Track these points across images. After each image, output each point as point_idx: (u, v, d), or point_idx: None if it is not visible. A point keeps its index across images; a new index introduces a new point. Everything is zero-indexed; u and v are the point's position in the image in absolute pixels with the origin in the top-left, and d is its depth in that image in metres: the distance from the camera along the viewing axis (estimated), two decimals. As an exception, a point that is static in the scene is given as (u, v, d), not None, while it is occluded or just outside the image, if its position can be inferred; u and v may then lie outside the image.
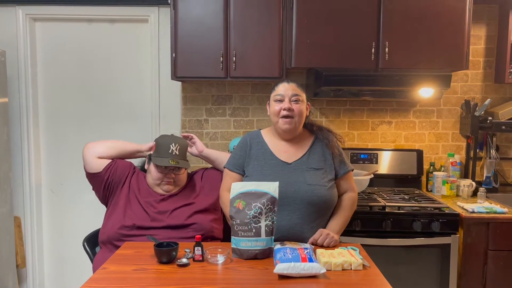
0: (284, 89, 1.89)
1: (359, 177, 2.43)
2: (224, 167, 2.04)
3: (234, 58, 2.58)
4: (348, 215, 1.94)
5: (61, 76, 3.08)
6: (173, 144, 2.08)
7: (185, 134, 2.31)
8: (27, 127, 3.03)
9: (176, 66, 2.61)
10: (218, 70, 2.60)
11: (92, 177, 2.12)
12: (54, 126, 3.12)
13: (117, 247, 1.87)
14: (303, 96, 1.91)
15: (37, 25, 3.05)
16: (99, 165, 2.09)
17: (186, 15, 2.58)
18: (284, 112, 1.86)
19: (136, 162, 2.27)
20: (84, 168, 2.13)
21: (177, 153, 2.07)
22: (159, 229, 1.95)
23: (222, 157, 2.22)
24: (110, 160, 2.12)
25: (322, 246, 1.76)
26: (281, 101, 1.88)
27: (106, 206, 2.14)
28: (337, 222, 1.89)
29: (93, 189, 2.16)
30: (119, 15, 2.98)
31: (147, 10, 2.96)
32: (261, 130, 2.05)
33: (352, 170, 2.02)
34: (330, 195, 1.87)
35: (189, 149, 2.25)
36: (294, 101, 1.87)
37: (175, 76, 2.63)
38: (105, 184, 2.09)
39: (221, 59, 2.58)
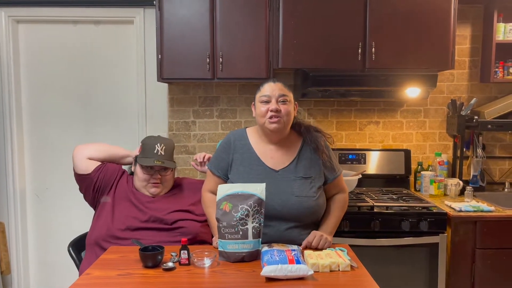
0: (271, 89, 1.79)
1: (348, 178, 2.43)
2: (207, 167, 1.99)
3: (220, 59, 2.56)
4: (339, 216, 1.92)
5: (46, 78, 3.03)
6: (158, 144, 2.05)
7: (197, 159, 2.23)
8: (11, 130, 2.98)
9: (162, 67, 2.59)
10: (204, 72, 2.58)
11: (81, 179, 2.08)
12: (39, 129, 3.07)
13: (104, 249, 1.84)
14: (290, 96, 1.82)
15: (20, 27, 3.00)
16: (88, 167, 2.06)
17: (172, 16, 2.56)
18: (271, 113, 1.76)
19: (125, 167, 2.24)
20: (74, 169, 2.10)
21: (163, 153, 2.04)
22: (147, 230, 1.91)
23: None
24: (100, 163, 2.10)
25: (316, 249, 1.73)
26: (267, 102, 1.77)
27: (95, 209, 2.10)
28: (329, 223, 1.87)
29: (81, 191, 2.13)
30: (104, 16, 2.95)
31: (133, 11, 2.93)
32: (246, 129, 1.94)
33: (341, 172, 1.98)
34: (318, 205, 1.83)
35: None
36: (282, 101, 1.78)
37: (161, 77, 2.61)
38: (94, 186, 2.05)
39: (208, 60, 2.56)
